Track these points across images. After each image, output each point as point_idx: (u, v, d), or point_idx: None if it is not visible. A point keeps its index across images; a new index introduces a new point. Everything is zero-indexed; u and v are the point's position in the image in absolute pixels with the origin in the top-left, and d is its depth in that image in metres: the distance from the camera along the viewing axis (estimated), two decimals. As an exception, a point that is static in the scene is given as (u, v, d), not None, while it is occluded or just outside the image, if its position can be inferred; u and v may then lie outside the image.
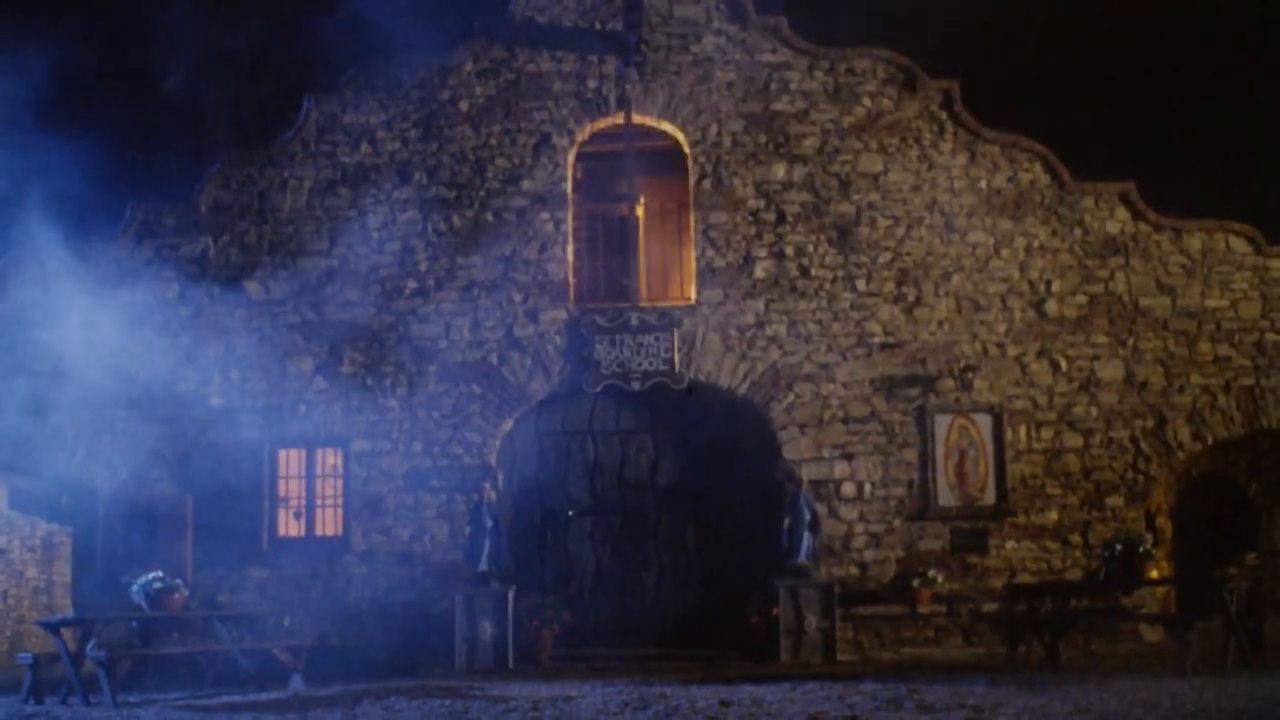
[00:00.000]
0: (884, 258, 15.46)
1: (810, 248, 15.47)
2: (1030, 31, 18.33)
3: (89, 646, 11.66)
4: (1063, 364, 15.32)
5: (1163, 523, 22.09)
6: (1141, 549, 12.21)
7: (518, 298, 15.46)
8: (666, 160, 16.16)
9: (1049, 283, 15.44)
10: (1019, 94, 16.56)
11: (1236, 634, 11.64)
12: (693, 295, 15.65)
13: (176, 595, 12.42)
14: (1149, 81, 18.84)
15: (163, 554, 14.46)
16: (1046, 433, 15.23)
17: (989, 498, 15.10)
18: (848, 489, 15.15)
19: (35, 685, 11.71)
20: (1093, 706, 9.24)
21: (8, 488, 18.25)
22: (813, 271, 15.44)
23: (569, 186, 15.72)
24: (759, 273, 15.45)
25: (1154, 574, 16.44)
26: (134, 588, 12.43)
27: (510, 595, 14.29)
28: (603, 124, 15.85)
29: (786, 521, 14.42)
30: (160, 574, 12.49)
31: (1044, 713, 9.00)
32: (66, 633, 11.99)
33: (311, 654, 12.88)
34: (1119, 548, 12.28)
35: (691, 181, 15.70)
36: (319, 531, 15.36)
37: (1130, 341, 15.36)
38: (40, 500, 18.58)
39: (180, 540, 14.77)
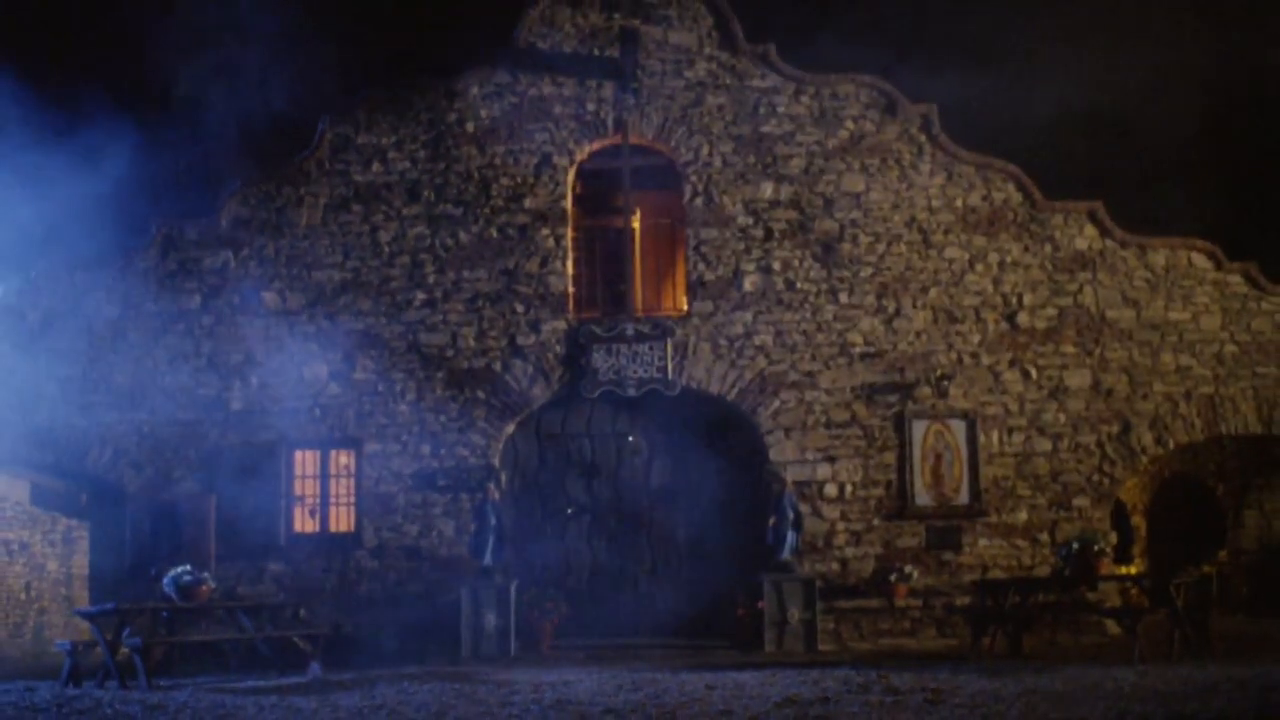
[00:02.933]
0: (865, 272, 16.39)
1: (796, 262, 16.40)
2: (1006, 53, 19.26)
3: (125, 634, 12.59)
4: (1033, 373, 16.26)
5: (1137, 521, 23.07)
6: (1096, 547, 13.13)
7: (520, 309, 16.38)
8: (661, 178, 17.08)
9: (1020, 296, 16.37)
10: (994, 113, 17.49)
11: (1182, 626, 12.58)
12: (685, 306, 16.59)
13: (204, 587, 13.36)
14: (1121, 103, 19.76)
15: (187, 548, 15.39)
16: (1017, 437, 16.17)
17: (963, 498, 16.02)
18: (830, 490, 16.09)
19: (74, 670, 12.63)
20: (1041, 689, 10.21)
21: (30, 484, 19.09)
22: (798, 285, 16.37)
23: (569, 204, 16.64)
24: (747, 286, 16.37)
25: (1120, 570, 17.43)
26: (165, 580, 13.35)
27: (512, 588, 15.16)
28: (601, 144, 16.76)
29: (772, 520, 15.30)
30: (189, 567, 13.43)
31: (996, 695, 9.96)
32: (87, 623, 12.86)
33: (327, 642, 13.82)
34: (1075, 546, 13.22)
35: (684, 199, 16.62)
36: (333, 528, 16.28)
37: (1097, 351, 16.29)
38: (61, 497, 19.44)
39: (204, 536, 15.69)
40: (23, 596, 19.07)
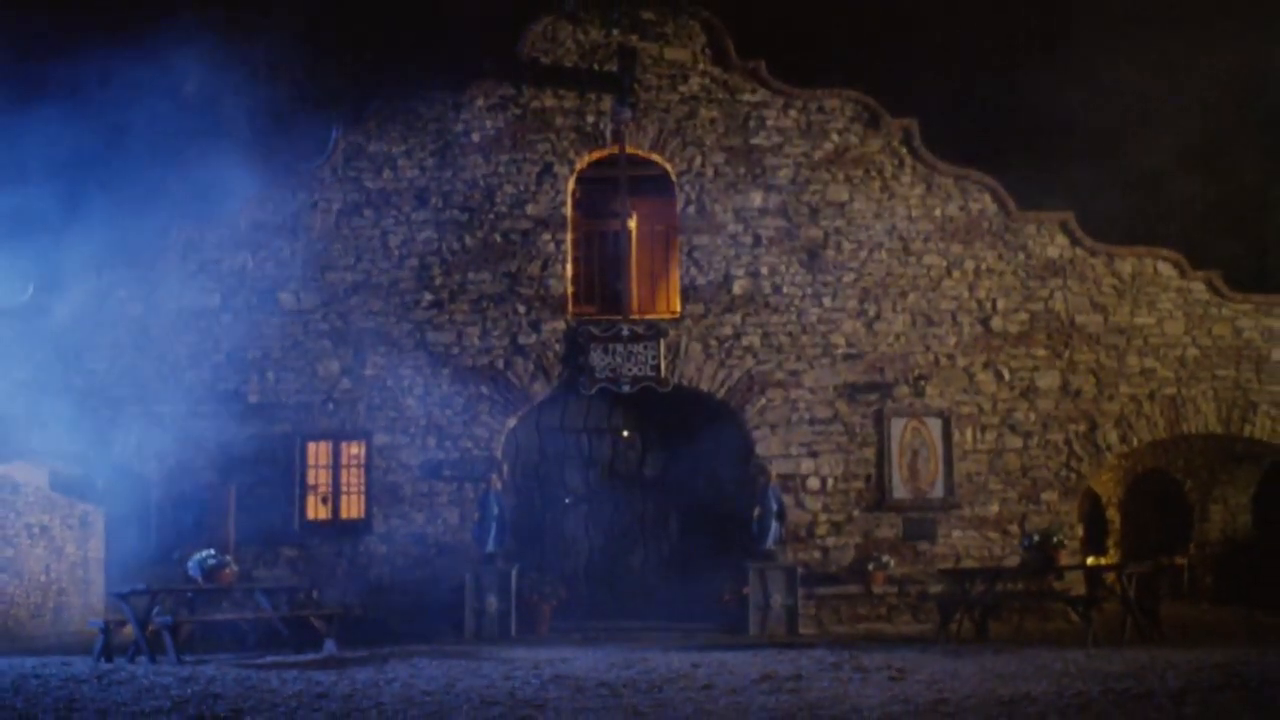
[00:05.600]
0: (848, 277, 17.32)
1: (782, 268, 17.33)
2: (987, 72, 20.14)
3: (154, 613, 13.53)
4: (1005, 374, 17.20)
5: (1112, 514, 24.03)
6: (1055, 539, 14.09)
7: (522, 309, 17.31)
8: (656, 187, 17.98)
9: (994, 301, 17.30)
10: (973, 127, 18.38)
11: (1133, 613, 13.54)
12: (678, 308, 17.47)
13: (227, 570, 14.31)
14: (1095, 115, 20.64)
15: (208, 534, 16.32)
16: (990, 435, 17.11)
17: (938, 492, 16.96)
18: (812, 483, 17.03)
19: (106, 646, 13.55)
20: (996, 669, 11.18)
21: (49, 470, 19.96)
22: (784, 289, 17.29)
23: (569, 210, 17.55)
24: (736, 289, 17.31)
25: (1087, 561, 18.38)
26: (190, 563, 14.30)
27: (513, 573, 16.04)
28: (599, 154, 17.65)
29: (757, 511, 16.19)
30: (213, 551, 14.38)
31: (954, 673, 10.93)
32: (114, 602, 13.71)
33: (339, 622, 14.78)
34: (1036, 538, 14.20)
35: (678, 207, 17.53)
36: (344, 515, 17.14)
37: (1066, 354, 17.22)
38: (78, 482, 20.30)
39: (223, 522, 16.63)
40: (42, 578, 19.86)
